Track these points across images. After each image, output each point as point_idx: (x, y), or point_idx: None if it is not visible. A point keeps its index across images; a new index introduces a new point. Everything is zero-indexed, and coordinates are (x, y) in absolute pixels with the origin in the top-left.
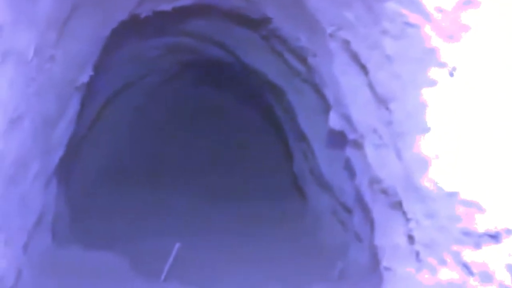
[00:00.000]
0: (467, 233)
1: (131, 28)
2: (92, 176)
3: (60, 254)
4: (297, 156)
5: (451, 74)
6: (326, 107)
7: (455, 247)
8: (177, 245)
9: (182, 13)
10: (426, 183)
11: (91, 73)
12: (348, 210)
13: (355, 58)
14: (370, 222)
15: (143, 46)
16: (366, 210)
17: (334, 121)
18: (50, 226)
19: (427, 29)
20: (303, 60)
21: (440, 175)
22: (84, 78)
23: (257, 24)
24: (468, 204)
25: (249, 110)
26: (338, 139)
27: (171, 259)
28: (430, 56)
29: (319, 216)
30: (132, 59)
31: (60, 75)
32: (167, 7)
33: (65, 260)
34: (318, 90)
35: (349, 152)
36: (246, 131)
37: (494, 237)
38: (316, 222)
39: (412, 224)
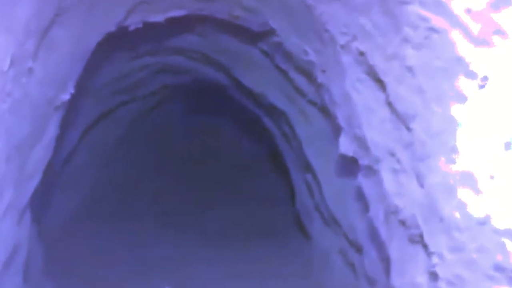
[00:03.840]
0: (499, 268)
1: (117, 43)
2: (69, 210)
3: None
4: (299, 190)
5: (482, 86)
6: (335, 132)
7: (485, 285)
8: None
9: (174, 27)
10: (452, 212)
11: (73, 91)
12: (359, 250)
13: (371, 71)
14: (386, 261)
15: (129, 66)
16: (380, 247)
17: (345, 146)
18: (22, 267)
19: (455, 34)
20: (310, 77)
21: (468, 202)
22: (65, 96)
23: (259, 37)
24: (501, 234)
25: (246, 139)
26: (348, 167)
27: None
28: (457, 66)
29: (326, 257)
30: (117, 81)
31: (38, 91)
32: (159, 18)
33: None
34: (326, 113)
35: (362, 180)
36: (242, 163)
37: None
38: (322, 264)
39: (435, 259)
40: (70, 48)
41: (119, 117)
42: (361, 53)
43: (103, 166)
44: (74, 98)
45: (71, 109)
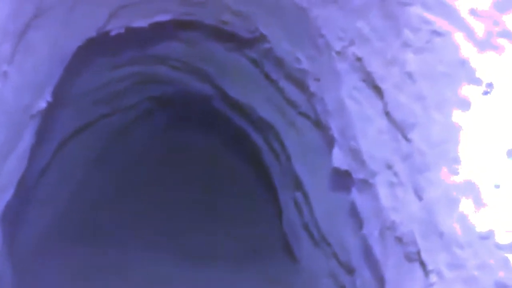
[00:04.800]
0: (501, 286)
1: (98, 50)
2: (42, 230)
3: None
4: (287, 209)
5: (487, 92)
6: (328, 145)
7: None
8: None
9: (158, 33)
10: (452, 227)
11: (50, 99)
12: (350, 271)
13: (368, 78)
14: (380, 281)
15: (110, 75)
16: (374, 267)
17: (339, 159)
18: None
19: (458, 37)
20: (302, 86)
21: (470, 216)
22: (41, 104)
23: (248, 44)
24: (504, 249)
25: (232, 154)
26: (341, 182)
27: None
28: (461, 71)
29: (314, 280)
30: (96, 92)
31: (13, 97)
32: (142, 23)
33: None
34: (319, 124)
35: (356, 195)
36: (226, 180)
37: None
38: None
39: (433, 278)
40: (48, 53)
41: (98, 130)
42: (358, 59)
43: (79, 182)
44: (51, 107)
45: (48, 118)
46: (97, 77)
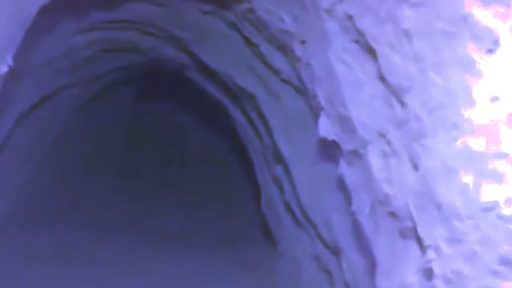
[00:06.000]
0: (505, 261)
1: (62, 12)
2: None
3: None
4: (266, 187)
5: (491, 51)
6: (313, 115)
7: (488, 281)
8: None
9: None
10: (451, 198)
11: (11, 62)
12: (336, 252)
13: (360, 39)
14: (370, 262)
15: (74, 41)
16: (364, 247)
17: (326, 128)
18: None
19: None
20: (286, 51)
21: (471, 187)
22: (2, 68)
23: (227, 5)
24: (509, 221)
25: (206, 130)
26: (328, 154)
27: None
28: (462, 28)
29: (296, 264)
30: (60, 59)
31: None
32: None
33: None
34: (304, 92)
35: (344, 168)
36: (200, 159)
37: None
38: (291, 273)
39: (430, 254)
40: (9, 13)
41: (60, 103)
42: (349, 17)
43: (39, 160)
44: (11, 75)
45: (8, 88)
46: (61, 42)
